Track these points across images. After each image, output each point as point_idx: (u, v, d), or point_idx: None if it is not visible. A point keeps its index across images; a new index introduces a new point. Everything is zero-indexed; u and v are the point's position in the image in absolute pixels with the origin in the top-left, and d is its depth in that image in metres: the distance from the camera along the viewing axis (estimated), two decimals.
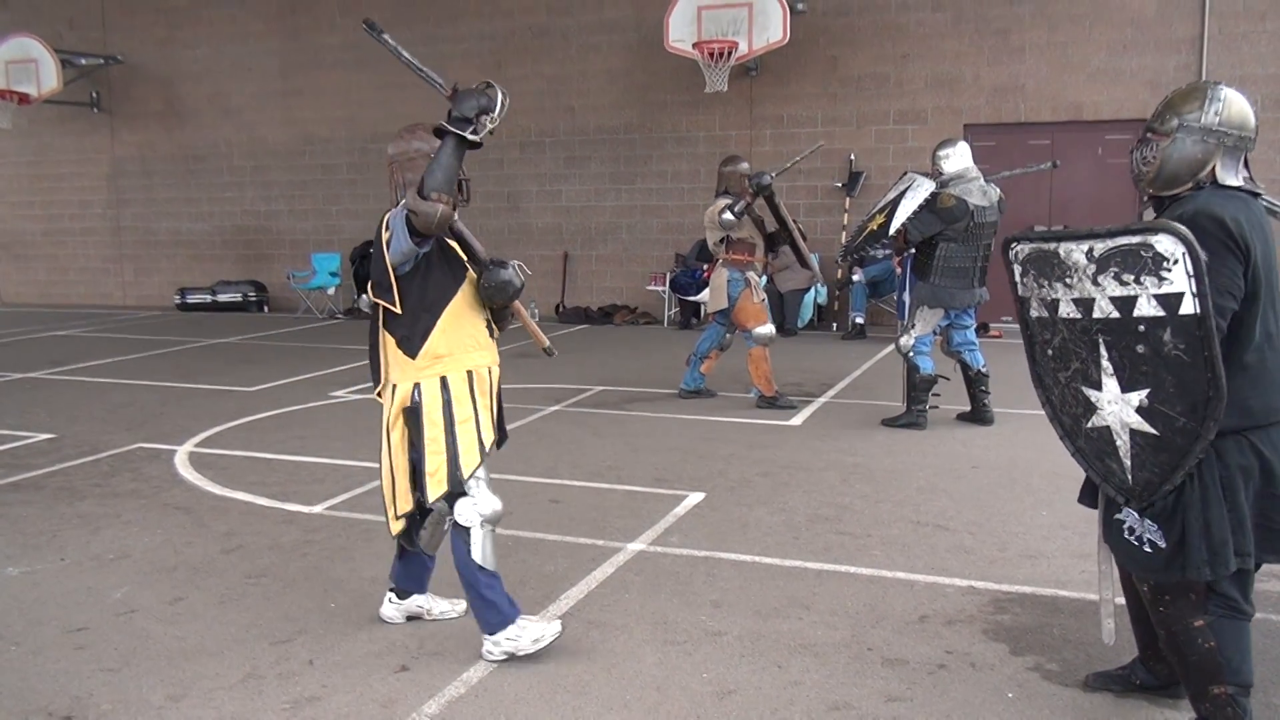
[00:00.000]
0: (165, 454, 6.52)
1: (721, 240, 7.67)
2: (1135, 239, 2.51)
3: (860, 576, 4.29)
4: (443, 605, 3.91)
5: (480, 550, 3.47)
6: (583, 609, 3.99)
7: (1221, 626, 2.80)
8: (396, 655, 3.61)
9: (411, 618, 3.89)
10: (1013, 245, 2.79)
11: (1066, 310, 2.66)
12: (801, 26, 12.22)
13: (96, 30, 16.26)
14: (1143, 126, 2.97)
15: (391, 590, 3.87)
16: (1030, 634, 3.71)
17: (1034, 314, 2.78)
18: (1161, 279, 2.48)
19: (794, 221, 7.66)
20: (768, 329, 7.68)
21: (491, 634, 3.52)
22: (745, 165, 7.74)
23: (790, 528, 4.94)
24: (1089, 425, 2.66)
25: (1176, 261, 2.46)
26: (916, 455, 6.30)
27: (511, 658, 3.50)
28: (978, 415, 7.14)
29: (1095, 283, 2.58)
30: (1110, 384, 2.59)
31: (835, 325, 12.73)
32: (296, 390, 8.73)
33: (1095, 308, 2.59)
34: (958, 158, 6.82)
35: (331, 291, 14.90)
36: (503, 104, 3.27)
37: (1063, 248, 2.64)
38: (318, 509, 5.32)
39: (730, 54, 11.82)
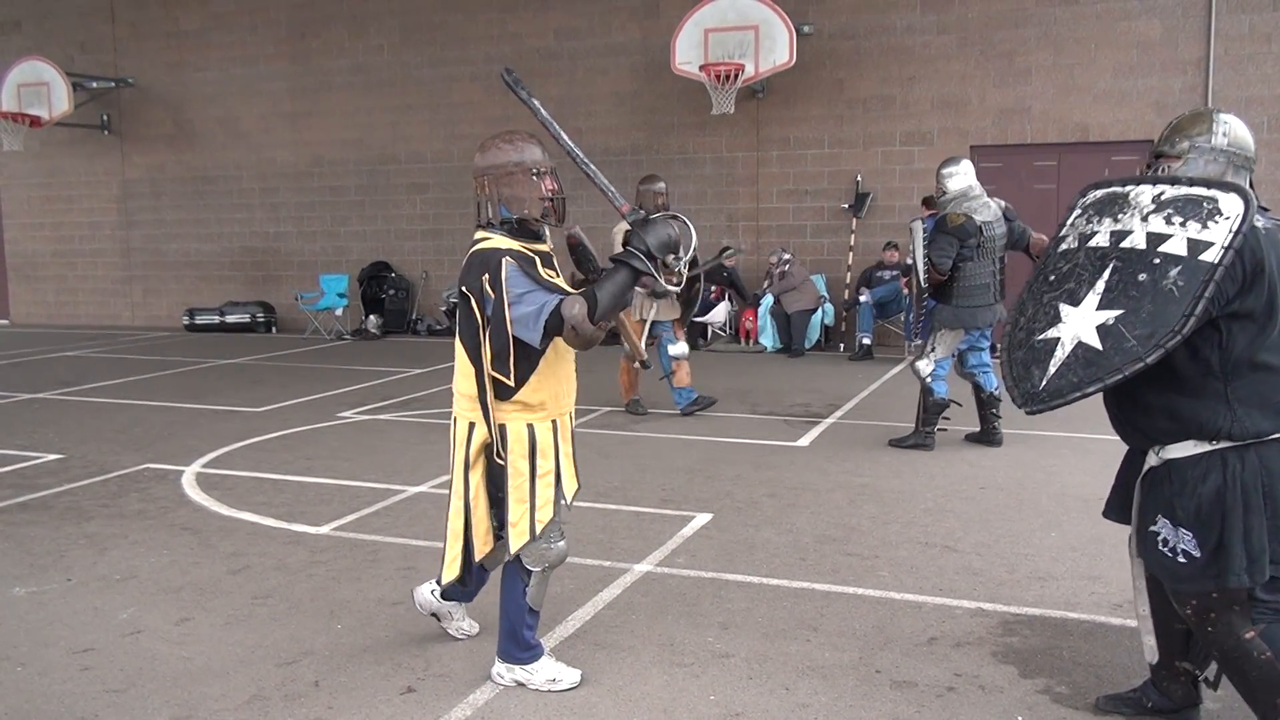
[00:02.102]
0: (173, 474, 6.53)
1: None
2: (1206, 191, 2.71)
3: (868, 598, 4.28)
4: (463, 624, 3.90)
5: (534, 593, 3.46)
6: (589, 630, 3.98)
7: (1273, 633, 2.79)
8: (403, 676, 3.60)
9: (435, 615, 3.86)
10: (1090, 191, 2.99)
11: (1098, 240, 2.85)
12: (808, 49, 12.30)
13: (108, 54, 16.40)
14: (1149, 152, 3.07)
15: (438, 584, 3.81)
16: (1040, 656, 3.69)
17: (1063, 247, 2.97)
18: (1205, 227, 2.66)
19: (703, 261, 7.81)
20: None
21: (509, 664, 3.50)
22: (661, 185, 8.06)
23: (797, 549, 4.92)
24: (1040, 337, 2.85)
25: (1228, 219, 2.64)
26: (924, 476, 6.29)
27: (519, 685, 3.49)
28: (987, 437, 7.12)
29: (1144, 219, 2.77)
30: (1090, 300, 2.77)
31: (842, 346, 12.72)
32: (304, 411, 8.75)
33: (1127, 239, 2.78)
34: (961, 176, 6.85)
35: (339, 312, 14.93)
36: (693, 246, 3.09)
37: (1135, 190, 2.85)
38: (325, 530, 5.32)
39: (737, 76, 11.86)
